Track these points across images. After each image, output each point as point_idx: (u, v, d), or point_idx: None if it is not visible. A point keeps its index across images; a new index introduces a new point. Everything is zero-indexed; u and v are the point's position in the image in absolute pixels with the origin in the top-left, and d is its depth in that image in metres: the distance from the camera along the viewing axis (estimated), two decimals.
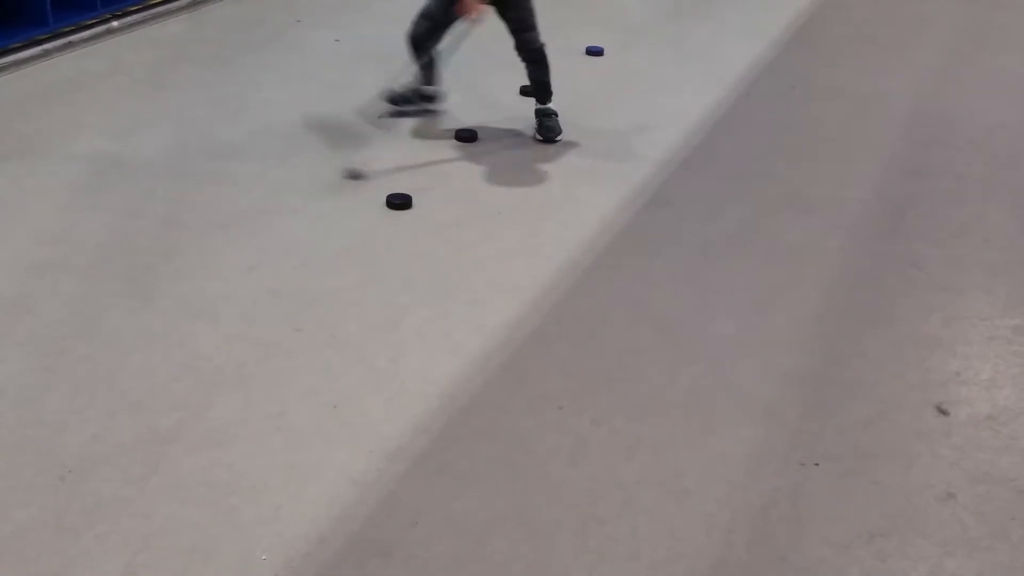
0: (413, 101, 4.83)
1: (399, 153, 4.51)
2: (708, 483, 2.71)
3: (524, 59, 4.61)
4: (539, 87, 4.75)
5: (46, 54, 5.31)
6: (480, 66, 5.15)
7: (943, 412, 3.03)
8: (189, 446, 2.74)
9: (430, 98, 4.85)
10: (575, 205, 4.15)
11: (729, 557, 2.49)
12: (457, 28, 4.44)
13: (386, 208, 4.00)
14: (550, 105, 4.79)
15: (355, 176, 4.09)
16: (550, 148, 4.65)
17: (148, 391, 2.94)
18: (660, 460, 2.79)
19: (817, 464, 2.79)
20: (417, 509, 2.57)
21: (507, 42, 4.51)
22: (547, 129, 4.74)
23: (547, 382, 3.08)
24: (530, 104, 4.75)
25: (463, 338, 3.26)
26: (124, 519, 2.49)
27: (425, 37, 4.58)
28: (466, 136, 4.65)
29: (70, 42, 5.45)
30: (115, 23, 5.73)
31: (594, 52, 5.82)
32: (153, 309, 3.33)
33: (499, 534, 2.51)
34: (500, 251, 3.78)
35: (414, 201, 4.04)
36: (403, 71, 4.61)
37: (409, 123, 4.81)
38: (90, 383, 2.96)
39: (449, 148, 4.58)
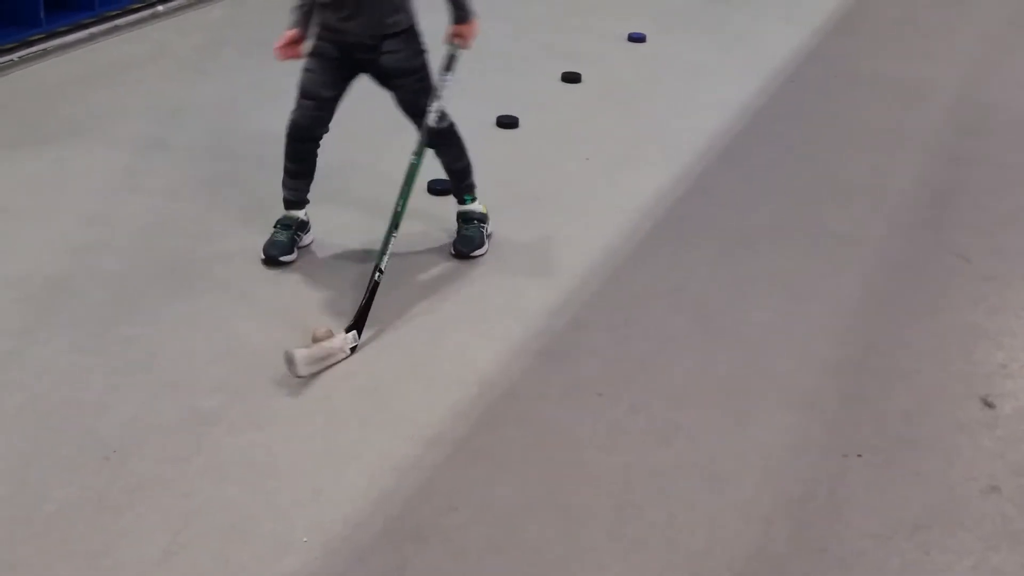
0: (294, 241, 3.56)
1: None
2: (746, 472, 2.69)
3: (427, 143, 3.44)
4: (455, 176, 3.66)
5: (92, 38, 5.36)
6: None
7: (988, 404, 3.00)
8: (229, 427, 2.76)
9: (303, 226, 3.60)
10: (614, 192, 4.14)
11: (768, 547, 2.47)
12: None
13: (427, 193, 4.00)
14: (475, 206, 3.65)
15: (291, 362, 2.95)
16: (589, 135, 4.62)
17: (189, 372, 2.97)
18: (698, 448, 2.77)
19: (860, 455, 2.76)
20: (454, 494, 2.58)
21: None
22: (464, 241, 3.58)
23: (585, 369, 3.07)
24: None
25: (501, 324, 3.26)
26: (165, 499, 2.51)
27: (314, 125, 3.42)
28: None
29: (116, 26, 5.50)
30: (160, 7, 5.77)
31: (637, 39, 5.79)
32: (194, 291, 3.35)
33: (536, 520, 2.51)
34: (538, 238, 3.77)
35: None
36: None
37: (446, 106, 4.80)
38: (132, 364, 2.99)
39: (490, 133, 4.57)
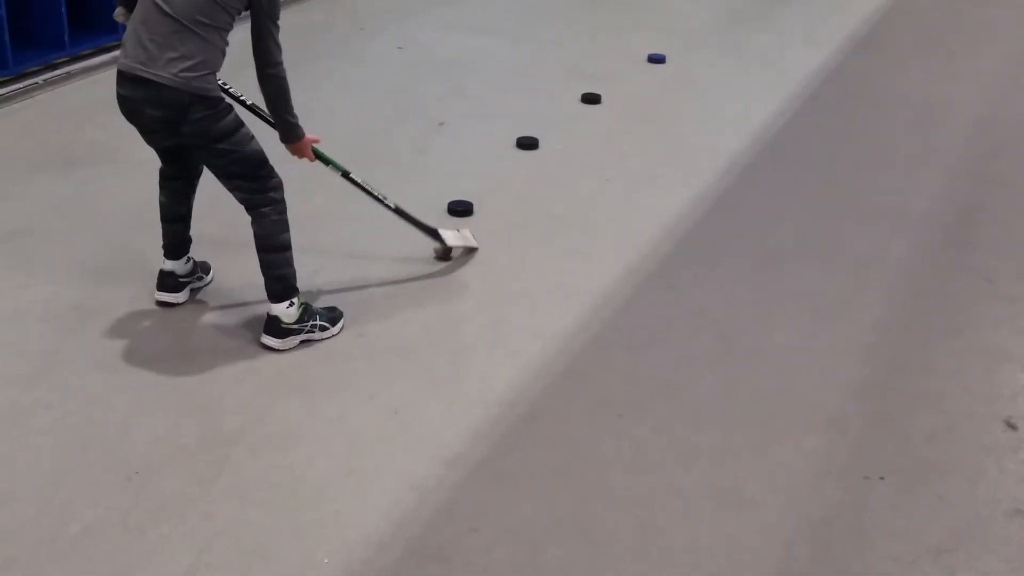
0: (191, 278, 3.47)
1: (459, 159, 4.53)
2: (769, 494, 2.68)
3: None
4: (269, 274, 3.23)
5: (116, 61, 5.40)
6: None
7: (1012, 426, 2.97)
8: (252, 449, 2.77)
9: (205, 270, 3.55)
10: (636, 211, 4.14)
11: (790, 570, 2.46)
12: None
13: (447, 215, 4.01)
14: (289, 307, 3.19)
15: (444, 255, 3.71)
16: (610, 155, 4.63)
17: (212, 394, 2.98)
18: (720, 469, 2.76)
19: (883, 478, 2.75)
20: (476, 515, 2.58)
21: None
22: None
23: (607, 389, 3.07)
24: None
25: (522, 344, 3.26)
26: (188, 519, 2.52)
27: (177, 201, 3.36)
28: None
29: None
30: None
31: (656, 59, 5.80)
32: (216, 313, 3.37)
33: (557, 542, 2.51)
34: (560, 257, 3.78)
35: (475, 208, 4.05)
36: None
37: (467, 127, 4.82)
38: (155, 385, 3.01)
39: (510, 154, 4.59)
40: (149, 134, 3.10)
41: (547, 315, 3.43)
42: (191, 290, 3.45)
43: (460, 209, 4.01)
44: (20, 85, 4.98)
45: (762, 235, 3.99)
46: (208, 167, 3.15)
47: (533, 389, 3.06)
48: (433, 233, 3.66)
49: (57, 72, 5.16)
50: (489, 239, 3.87)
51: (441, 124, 4.84)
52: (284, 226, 3.19)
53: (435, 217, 3.98)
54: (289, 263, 3.21)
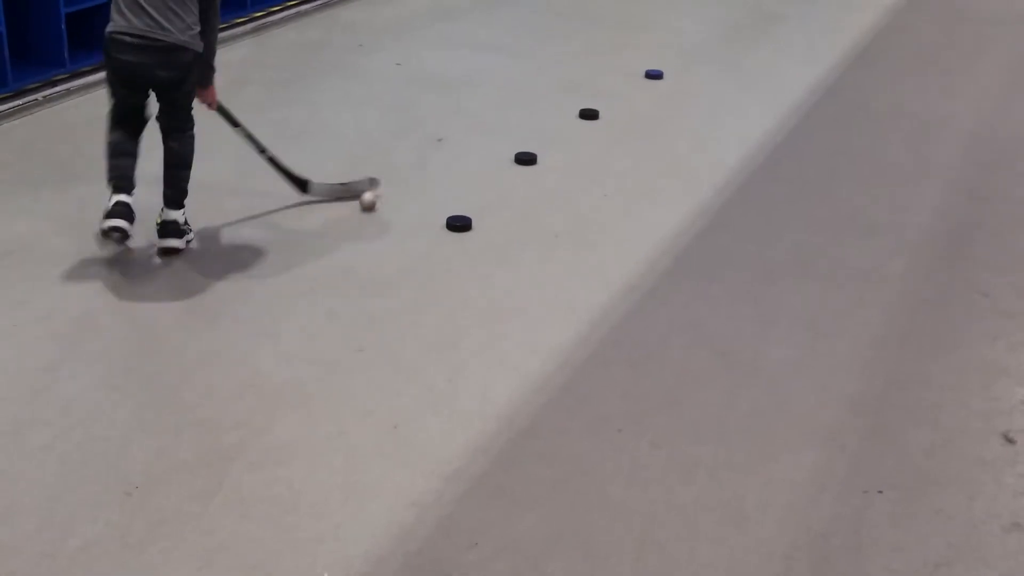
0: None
1: (457, 175, 4.54)
2: (767, 508, 2.69)
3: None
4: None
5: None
6: None
7: (1009, 440, 2.98)
8: (251, 464, 2.77)
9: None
10: (634, 227, 4.15)
11: None
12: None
13: (446, 230, 4.02)
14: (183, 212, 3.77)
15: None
16: (607, 171, 4.65)
17: (211, 409, 2.99)
18: (719, 484, 2.77)
19: (881, 492, 2.76)
20: (475, 530, 2.58)
21: None
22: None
23: (605, 404, 3.08)
24: None
25: (521, 359, 3.27)
26: (188, 535, 2.52)
27: (129, 138, 3.73)
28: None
29: None
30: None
31: (654, 75, 5.83)
32: (215, 329, 3.38)
33: (557, 556, 2.51)
34: (558, 273, 3.79)
35: (474, 223, 4.06)
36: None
37: (466, 143, 4.84)
38: (154, 401, 3.02)
39: (508, 170, 4.60)
40: (139, 91, 3.64)
41: (546, 330, 3.44)
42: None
43: (459, 224, 4.03)
44: (20, 102, 5.00)
45: (760, 250, 4.01)
46: (169, 102, 3.68)
47: (532, 404, 3.07)
48: (303, 185, 4.13)
49: (57, 89, 5.17)
50: (487, 254, 3.89)
51: (440, 140, 4.86)
52: (194, 146, 3.76)
53: (434, 232, 3.99)
54: (188, 179, 3.77)
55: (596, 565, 2.49)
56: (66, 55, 5.24)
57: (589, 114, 5.22)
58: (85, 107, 5.11)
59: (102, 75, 5.40)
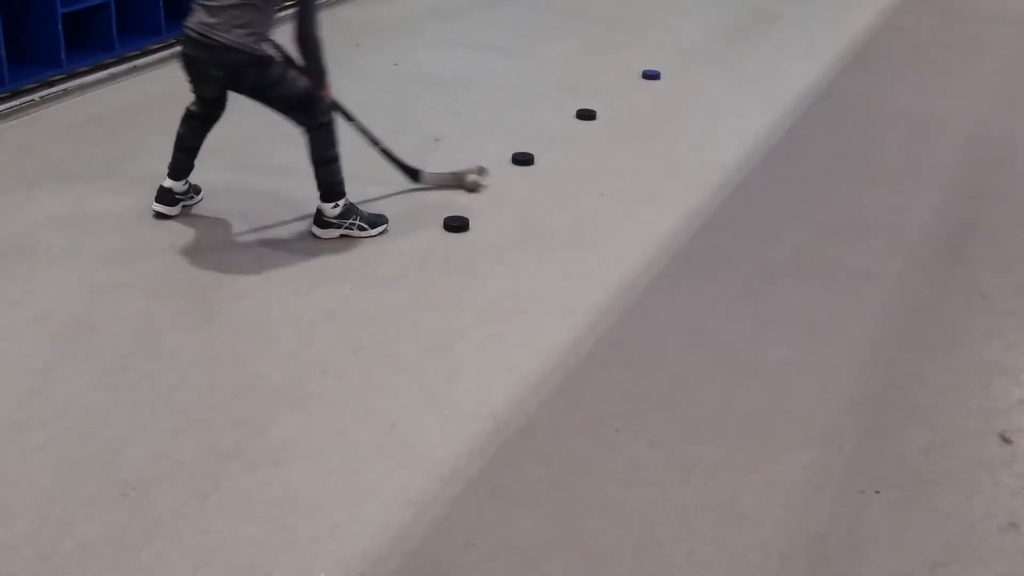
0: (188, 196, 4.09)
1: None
2: (765, 508, 2.69)
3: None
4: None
5: (112, 78, 5.43)
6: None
7: (1006, 440, 2.98)
8: (248, 464, 2.77)
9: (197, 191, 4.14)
10: (631, 227, 4.15)
11: None
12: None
13: (443, 230, 4.02)
14: (334, 207, 3.88)
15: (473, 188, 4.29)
16: (605, 171, 4.65)
17: (208, 409, 2.98)
18: (717, 484, 2.77)
19: (878, 492, 2.76)
20: (473, 531, 2.58)
21: None
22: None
23: (603, 405, 3.08)
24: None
25: (519, 359, 3.27)
26: (184, 536, 2.52)
27: (194, 135, 3.97)
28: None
29: (135, 66, 5.56)
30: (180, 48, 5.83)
31: (651, 76, 5.83)
32: (213, 329, 3.38)
33: (555, 557, 2.51)
34: (556, 273, 3.79)
35: (471, 223, 4.06)
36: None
37: (463, 143, 4.84)
38: (152, 401, 3.01)
39: (506, 170, 4.60)
40: (202, 84, 3.78)
41: (543, 330, 3.43)
42: (183, 207, 4.04)
43: (456, 224, 4.02)
44: (16, 102, 4.99)
45: (758, 251, 4.01)
46: (266, 104, 3.75)
47: (530, 404, 3.06)
48: (414, 174, 4.31)
49: (53, 89, 5.16)
50: (485, 254, 3.89)
51: (437, 140, 4.86)
52: (331, 144, 3.80)
53: (432, 232, 3.99)
54: (336, 173, 3.84)
55: (594, 565, 2.49)
56: (63, 56, 5.22)
57: (586, 114, 5.22)
58: (82, 108, 5.11)
59: (98, 76, 5.45)
